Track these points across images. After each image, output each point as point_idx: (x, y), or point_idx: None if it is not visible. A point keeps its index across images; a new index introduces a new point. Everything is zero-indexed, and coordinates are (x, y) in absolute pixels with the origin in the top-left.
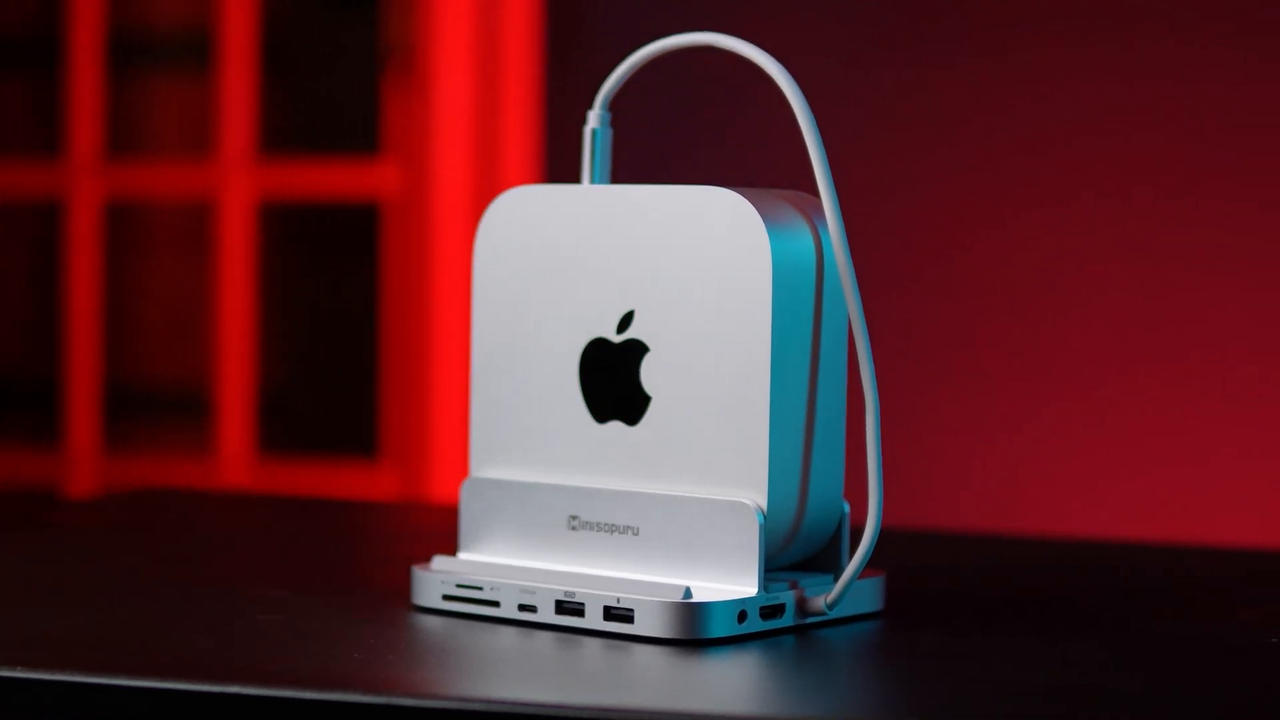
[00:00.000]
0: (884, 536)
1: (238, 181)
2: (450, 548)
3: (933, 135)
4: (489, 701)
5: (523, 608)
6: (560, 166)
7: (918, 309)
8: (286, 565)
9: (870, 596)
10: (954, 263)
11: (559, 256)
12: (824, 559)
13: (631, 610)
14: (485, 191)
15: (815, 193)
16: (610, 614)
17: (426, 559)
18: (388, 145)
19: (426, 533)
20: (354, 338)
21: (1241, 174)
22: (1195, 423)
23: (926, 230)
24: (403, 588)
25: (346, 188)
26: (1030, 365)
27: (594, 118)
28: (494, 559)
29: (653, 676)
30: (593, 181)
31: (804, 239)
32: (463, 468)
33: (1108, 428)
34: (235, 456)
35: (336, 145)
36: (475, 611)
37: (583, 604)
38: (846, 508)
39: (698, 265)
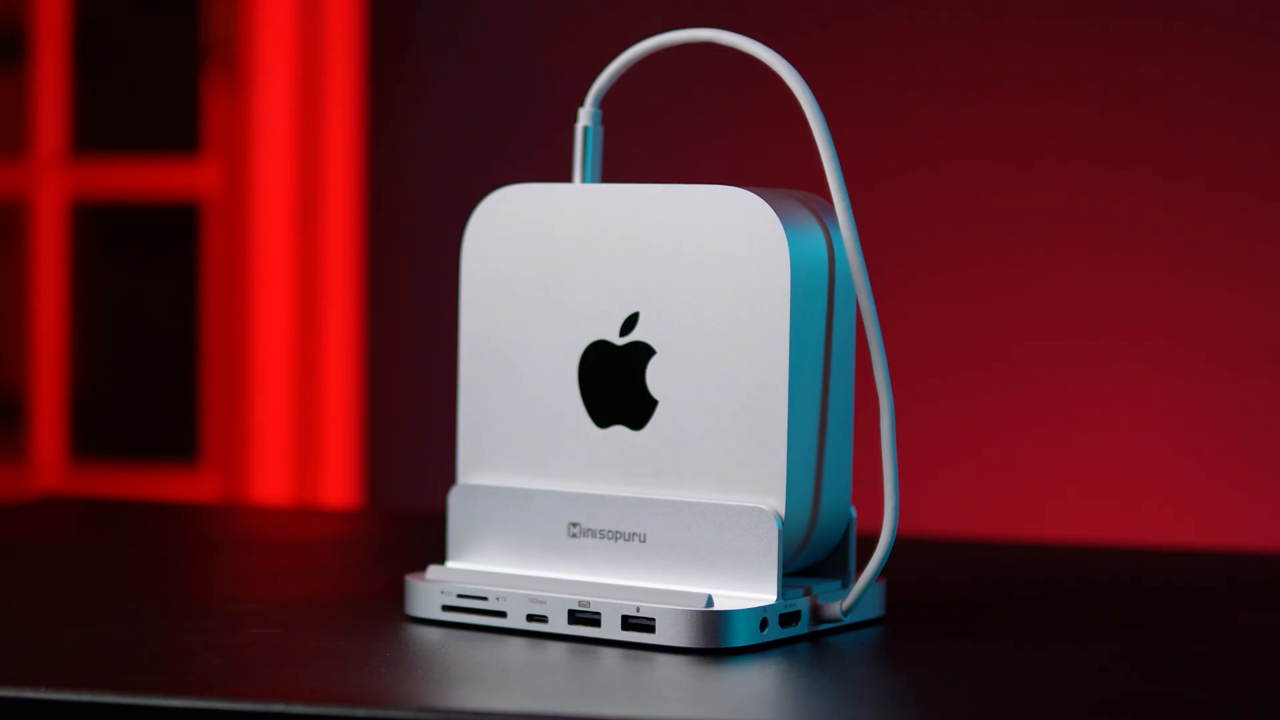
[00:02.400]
0: (865, 542)
1: (51, 181)
2: (384, 553)
3: (922, 133)
4: (534, 717)
5: (532, 618)
6: (383, 164)
7: (908, 309)
8: (244, 576)
9: (874, 602)
10: (946, 262)
11: (556, 257)
12: (829, 565)
13: (653, 620)
14: (308, 190)
15: (807, 188)
16: (628, 624)
17: (375, 567)
18: (208, 144)
19: (354, 539)
20: (173, 339)
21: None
22: (1189, 426)
23: (916, 230)
24: (388, 597)
25: (165, 187)
26: (1020, 367)
27: (585, 115)
28: (487, 568)
29: (681, 687)
30: (584, 180)
31: (817, 239)
32: (286, 470)
33: (1096, 430)
34: (49, 460)
35: (154, 144)
36: (478, 622)
37: (599, 614)
38: (853, 512)
39: (710, 266)
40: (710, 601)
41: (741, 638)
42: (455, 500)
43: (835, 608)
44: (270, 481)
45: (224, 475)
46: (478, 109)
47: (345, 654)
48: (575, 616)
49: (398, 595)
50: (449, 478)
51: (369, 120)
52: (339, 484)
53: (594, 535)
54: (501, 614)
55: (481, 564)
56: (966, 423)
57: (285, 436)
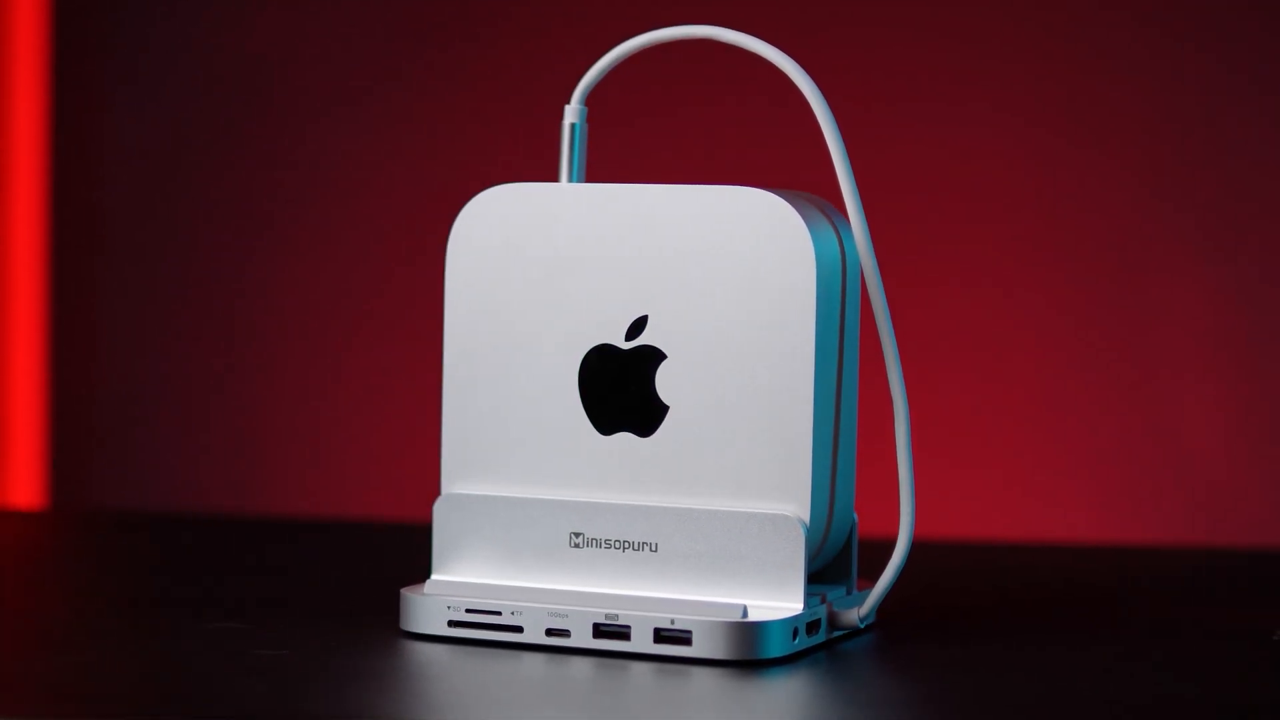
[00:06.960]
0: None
1: None
2: (323, 565)
3: (920, 131)
4: None
5: (551, 632)
6: (69, 152)
7: (902, 308)
8: (200, 590)
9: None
10: (940, 261)
11: (553, 259)
12: (830, 571)
13: (689, 632)
14: None
15: (798, 186)
16: (661, 636)
17: (327, 576)
18: None
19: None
20: None
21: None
22: (1188, 425)
23: (910, 230)
24: (376, 609)
25: None
26: (1016, 366)
27: (572, 112)
28: (480, 581)
29: (724, 701)
30: (570, 180)
31: (832, 241)
32: (39, 470)
33: (1078, 430)
34: None
35: None
36: (488, 638)
37: (628, 627)
38: (855, 518)
39: (727, 268)
40: (745, 612)
41: (776, 648)
42: (441, 511)
43: (853, 614)
44: (20, 485)
45: None
46: (168, 94)
47: (370, 674)
48: (601, 630)
49: (386, 609)
50: (148, 475)
51: (54, 107)
52: (24, 483)
53: (599, 545)
54: (518, 629)
55: (473, 577)
56: (962, 423)
57: (37, 435)
